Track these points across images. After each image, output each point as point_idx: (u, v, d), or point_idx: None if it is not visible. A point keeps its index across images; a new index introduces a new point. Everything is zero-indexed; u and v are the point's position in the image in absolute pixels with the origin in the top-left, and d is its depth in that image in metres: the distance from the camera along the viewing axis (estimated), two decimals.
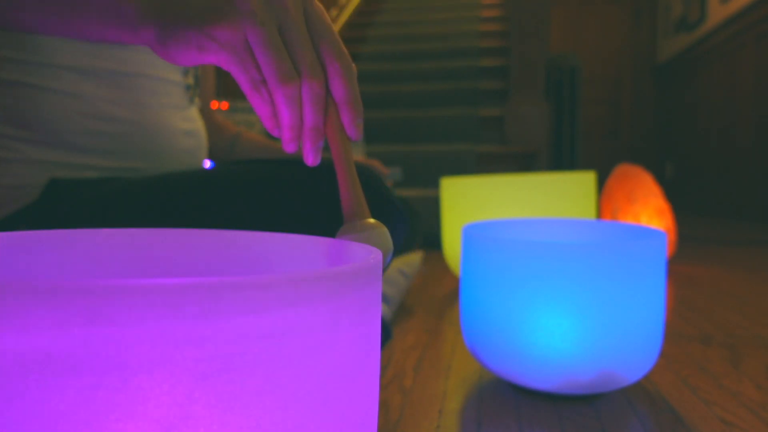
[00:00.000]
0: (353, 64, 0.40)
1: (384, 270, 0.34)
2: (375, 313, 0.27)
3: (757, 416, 0.61)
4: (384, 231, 0.38)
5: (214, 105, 1.04)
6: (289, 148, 0.40)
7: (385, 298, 0.99)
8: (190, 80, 0.85)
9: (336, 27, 3.88)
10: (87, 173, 0.71)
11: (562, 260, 0.58)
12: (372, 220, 0.39)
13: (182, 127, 0.80)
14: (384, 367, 0.76)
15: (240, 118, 1.95)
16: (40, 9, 0.44)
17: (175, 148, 0.78)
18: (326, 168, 0.67)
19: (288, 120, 0.39)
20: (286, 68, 0.37)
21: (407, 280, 1.17)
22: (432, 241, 1.84)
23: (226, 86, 2.40)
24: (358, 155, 2.10)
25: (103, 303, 0.18)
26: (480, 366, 0.77)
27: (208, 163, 0.89)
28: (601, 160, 4.82)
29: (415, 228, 1.36)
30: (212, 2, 0.38)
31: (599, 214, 1.71)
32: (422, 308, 1.12)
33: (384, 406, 0.63)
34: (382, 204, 0.68)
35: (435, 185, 2.07)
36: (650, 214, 1.57)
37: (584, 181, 1.23)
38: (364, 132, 2.37)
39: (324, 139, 0.40)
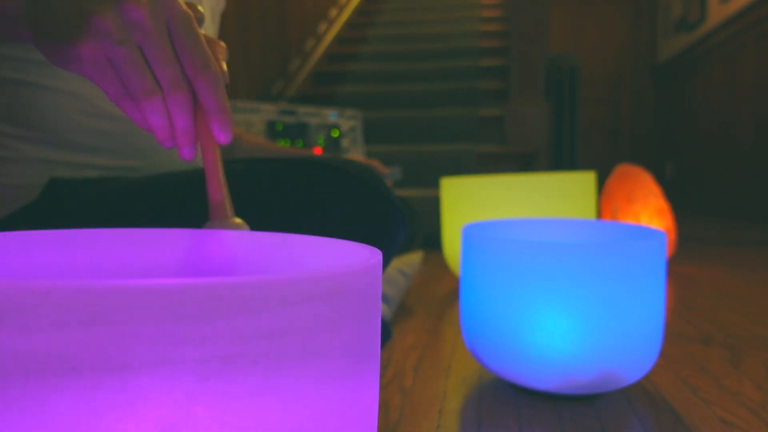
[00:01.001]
0: (220, 72, 0.41)
1: None
2: (375, 313, 0.27)
3: (757, 416, 0.61)
4: (247, 228, 0.42)
5: None
6: (164, 145, 0.42)
7: (385, 298, 0.99)
8: None
9: (336, 27, 3.89)
10: (87, 172, 0.71)
11: (562, 260, 0.58)
12: (238, 220, 0.42)
13: None
14: (384, 367, 0.76)
15: (240, 118, 1.95)
16: None
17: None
18: (327, 168, 0.67)
19: (155, 127, 0.41)
20: (147, 84, 0.39)
21: (407, 280, 1.17)
22: (432, 241, 1.84)
23: (226, 86, 2.39)
24: (358, 155, 2.10)
25: (103, 303, 0.18)
26: (480, 366, 0.77)
27: None
28: (601, 160, 4.82)
29: (415, 228, 1.36)
30: (74, 19, 0.39)
31: (599, 214, 1.71)
32: (422, 308, 1.12)
33: (384, 406, 0.63)
34: (382, 204, 0.68)
35: (435, 185, 2.07)
36: (650, 214, 1.57)
37: (584, 181, 1.23)
38: (364, 132, 2.36)
39: (197, 139, 0.43)
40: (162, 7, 0.40)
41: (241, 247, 0.37)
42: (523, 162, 2.62)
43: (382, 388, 0.69)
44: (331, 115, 2.10)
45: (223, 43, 0.45)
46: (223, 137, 0.42)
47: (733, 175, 3.57)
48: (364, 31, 4.06)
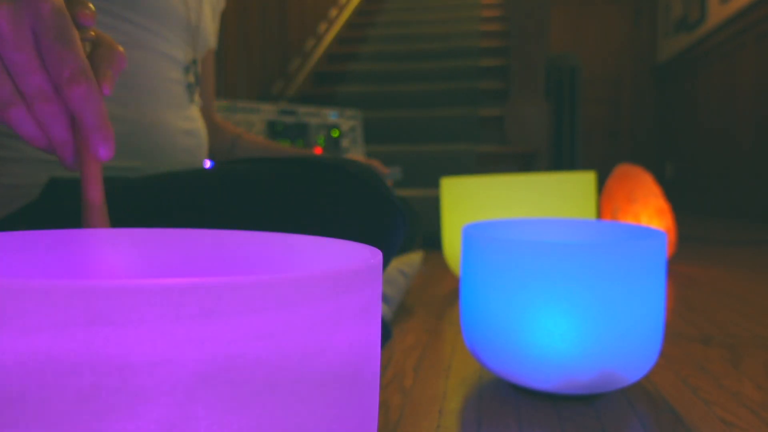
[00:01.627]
0: (93, 84, 0.37)
1: None
2: (375, 313, 0.27)
3: (757, 416, 0.61)
4: None
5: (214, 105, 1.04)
6: (44, 149, 0.40)
7: (385, 298, 0.99)
8: (191, 79, 0.85)
9: (336, 27, 3.89)
10: None
11: (562, 260, 0.58)
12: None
13: (182, 126, 0.80)
14: (384, 367, 0.76)
15: (240, 118, 1.95)
16: None
17: (175, 147, 0.78)
18: (327, 168, 0.67)
19: (27, 137, 0.38)
20: (4, 94, 0.36)
21: (407, 280, 1.17)
22: (432, 241, 1.85)
23: (227, 86, 2.40)
24: (358, 155, 2.10)
25: (103, 303, 0.18)
26: (480, 366, 0.77)
27: (208, 163, 0.89)
28: (601, 160, 4.82)
29: (415, 228, 1.36)
30: None
31: (599, 214, 1.71)
32: (422, 308, 1.12)
33: (384, 406, 0.63)
34: (382, 204, 0.68)
35: (435, 185, 2.07)
36: (650, 214, 1.57)
37: (584, 181, 1.23)
38: (364, 132, 2.35)
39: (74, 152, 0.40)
40: (26, 10, 0.36)
41: (241, 247, 0.37)
42: (523, 162, 2.62)
43: (382, 388, 0.69)
44: (331, 115, 2.10)
45: (91, 6, 0.41)
46: (103, 152, 0.39)
47: (733, 175, 3.57)
48: (364, 31, 4.06)
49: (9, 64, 0.36)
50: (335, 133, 2.09)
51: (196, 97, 0.86)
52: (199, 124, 0.84)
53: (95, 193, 0.39)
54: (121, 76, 0.73)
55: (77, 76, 0.37)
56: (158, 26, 0.76)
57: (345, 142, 2.11)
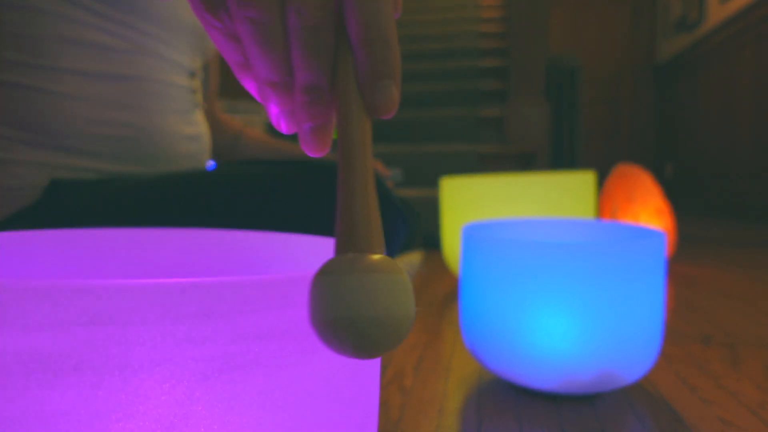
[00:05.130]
0: None
1: (387, 346, 0.20)
2: None
3: (756, 416, 0.61)
4: (400, 280, 0.20)
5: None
6: (279, 125, 0.25)
7: None
8: (196, 84, 0.85)
9: None
10: (88, 176, 0.71)
11: (562, 260, 0.58)
12: (379, 257, 0.21)
13: (186, 132, 0.80)
14: (384, 367, 0.76)
15: (240, 119, 1.95)
16: None
17: (178, 152, 0.78)
18: (327, 169, 0.67)
19: (261, 70, 0.23)
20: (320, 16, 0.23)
21: None
22: (432, 241, 1.85)
23: (226, 86, 2.40)
24: None
25: (103, 303, 0.18)
26: (480, 366, 0.77)
27: (210, 164, 0.89)
28: (601, 160, 4.82)
29: (415, 228, 1.35)
30: None
31: (599, 214, 1.71)
32: (422, 308, 1.12)
33: (384, 406, 0.63)
34: (382, 204, 0.68)
35: (435, 185, 2.07)
36: (650, 214, 1.57)
37: (584, 181, 1.23)
38: None
39: (332, 114, 0.25)
40: None
41: (241, 247, 0.37)
42: (523, 162, 2.62)
43: (382, 388, 0.69)
44: None
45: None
46: (379, 97, 0.23)
47: (733, 175, 3.57)
48: None
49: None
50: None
51: (200, 102, 0.86)
52: (202, 129, 0.84)
53: (342, 186, 0.23)
54: (125, 81, 0.73)
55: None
56: (163, 32, 0.76)
57: None
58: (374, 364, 0.28)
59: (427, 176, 2.36)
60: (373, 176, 0.23)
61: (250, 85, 0.25)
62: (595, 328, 0.58)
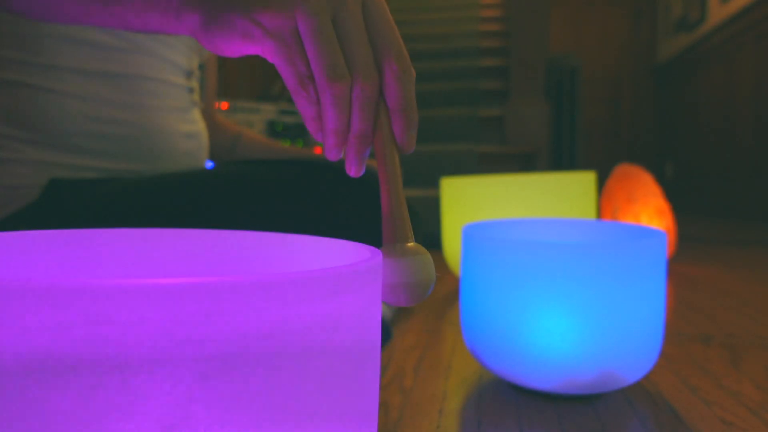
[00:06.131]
0: (413, 69, 0.35)
1: (421, 299, 0.32)
2: (375, 313, 0.27)
3: (757, 416, 0.61)
4: (426, 258, 0.33)
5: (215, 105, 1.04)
6: (331, 155, 0.36)
7: None
8: (194, 83, 0.85)
9: None
10: (88, 175, 0.71)
11: (562, 260, 0.58)
12: (412, 244, 0.34)
13: (184, 130, 0.80)
14: (384, 367, 0.76)
15: (240, 119, 1.95)
16: None
17: (177, 150, 0.78)
18: (326, 169, 0.67)
19: (334, 124, 0.34)
20: (338, 65, 0.33)
21: None
22: (432, 241, 1.84)
23: (227, 86, 2.40)
24: None
25: (103, 303, 0.18)
26: (480, 366, 0.77)
27: (208, 164, 0.89)
28: (601, 160, 4.82)
29: (415, 228, 1.35)
30: None
31: (599, 214, 1.71)
32: (422, 308, 1.12)
33: (384, 406, 0.63)
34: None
35: (435, 185, 2.07)
36: (650, 214, 1.57)
37: (584, 181, 1.23)
38: None
39: (370, 148, 0.36)
40: None
41: (241, 247, 0.37)
42: (523, 162, 2.62)
43: (382, 388, 0.69)
44: None
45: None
46: (407, 143, 0.35)
47: (733, 175, 3.57)
48: None
49: (342, 32, 0.34)
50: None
51: (198, 100, 0.86)
52: (200, 127, 0.84)
53: (389, 193, 0.35)
54: (124, 80, 0.73)
55: (402, 54, 0.35)
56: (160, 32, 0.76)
57: None
58: (374, 364, 0.28)
59: (427, 176, 2.36)
60: (402, 190, 0.35)
61: (313, 129, 0.36)
62: (596, 328, 0.58)
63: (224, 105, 2.04)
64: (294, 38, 0.34)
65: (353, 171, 0.36)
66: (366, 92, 0.34)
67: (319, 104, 0.35)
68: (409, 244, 0.34)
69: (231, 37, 0.36)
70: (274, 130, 1.99)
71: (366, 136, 0.35)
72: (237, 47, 0.37)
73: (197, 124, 0.84)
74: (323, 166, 0.67)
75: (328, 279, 0.23)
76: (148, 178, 0.70)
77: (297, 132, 2.04)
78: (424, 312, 1.09)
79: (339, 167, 0.67)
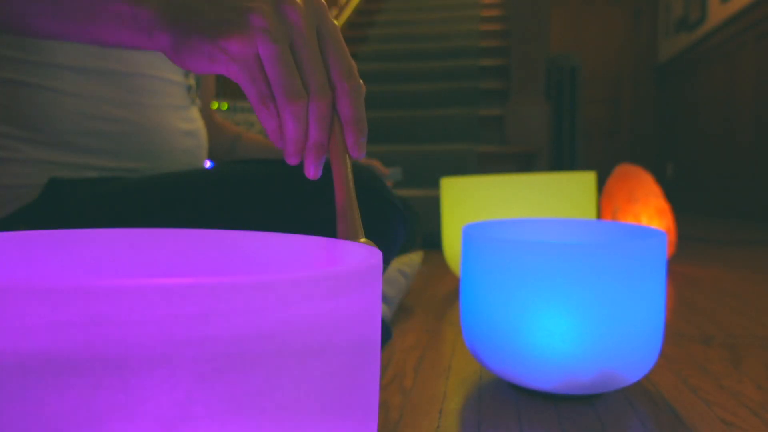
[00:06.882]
0: (362, 84, 0.40)
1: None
2: (375, 313, 0.27)
3: (757, 416, 0.61)
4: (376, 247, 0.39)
5: (214, 105, 1.04)
6: (291, 161, 0.41)
7: (385, 298, 0.99)
8: (191, 81, 0.85)
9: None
10: (87, 173, 0.71)
11: (562, 260, 0.58)
12: (363, 240, 0.39)
13: (183, 128, 0.80)
14: (384, 367, 0.76)
15: (240, 118, 1.95)
16: (56, 16, 0.45)
17: (176, 148, 0.78)
18: (326, 169, 0.67)
19: (293, 135, 0.39)
20: (295, 86, 0.38)
21: (407, 280, 1.17)
22: (432, 241, 1.84)
23: (226, 86, 2.40)
24: None
25: (103, 303, 0.18)
26: (480, 366, 0.77)
27: (208, 164, 0.89)
28: (601, 160, 4.82)
29: (415, 228, 1.35)
30: (226, 15, 0.38)
31: (599, 214, 1.71)
32: (422, 308, 1.12)
33: (384, 406, 0.63)
34: (382, 205, 0.68)
35: (435, 185, 2.07)
36: (650, 214, 1.57)
37: (584, 181, 1.23)
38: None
39: (326, 154, 0.41)
40: (315, 11, 0.40)
41: (241, 247, 0.37)
42: (523, 162, 2.62)
43: (382, 388, 0.69)
44: None
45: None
46: (357, 151, 0.40)
47: (733, 175, 3.57)
48: (364, 30, 4.06)
49: (300, 57, 0.39)
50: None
51: (196, 99, 0.86)
52: (199, 125, 0.84)
53: (342, 193, 0.40)
54: (122, 78, 0.73)
55: (353, 73, 0.40)
56: None
57: None
58: (374, 365, 0.28)
59: (427, 176, 2.36)
60: (354, 192, 0.40)
61: (275, 139, 0.41)
62: (596, 328, 0.58)
63: (224, 105, 2.04)
64: (256, 62, 0.38)
65: (311, 174, 0.41)
66: (321, 109, 0.39)
67: (279, 118, 0.39)
68: (361, 240, 0.39)
69: (198, 59, 0.39)
70: None
71: (322, 145, 0.40)
72: (204, 68, 0.40)
73: (196, 122, 0.84)
74: (323, 165, 0.66)
75: (328, 279, 0.23)
76: (148, 177, 0.70)
77: None
78: (424, 312, 1.09)
79: None
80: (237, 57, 0.38)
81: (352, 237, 0.39)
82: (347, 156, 0.41)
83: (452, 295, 1.23)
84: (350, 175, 0.40)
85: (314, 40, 0.39)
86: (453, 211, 1.31)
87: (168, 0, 0.40)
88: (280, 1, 0.38)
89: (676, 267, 1.59)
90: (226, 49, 0.38)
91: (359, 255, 0.31)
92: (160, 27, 0.40)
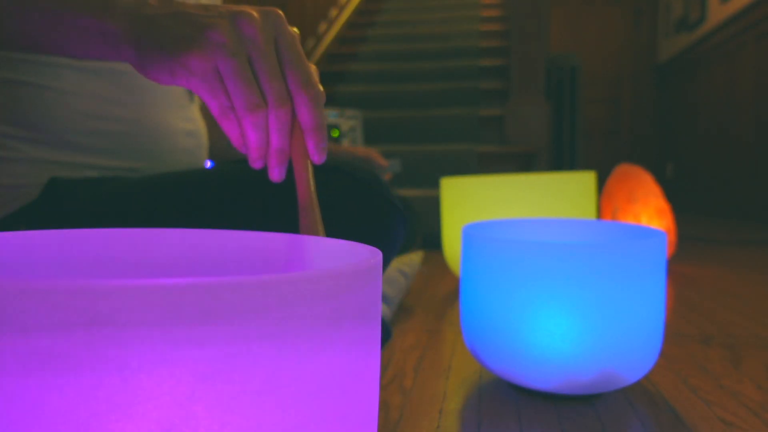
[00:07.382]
0: (321, 91, 0.42)
1: None
2: (375, 313, 0.27)
3: (757, 416, 0.61)
4: None
5: None
6: (255, 165, 0.43)
7: (385, 298, 0.99)
8: None
9: (336, 27, 3.89)
10: (87, 172, 0.71)
11: (562, 260, 0.58)
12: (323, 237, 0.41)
13: (183, 127, 0.80)
14: (384, 367, 0.76)
15: None
16: (24, 29, 0.46)
17: (176, 147, 0.78)
18: (326, 169, 0.67)
19: (254, 143, 0.41)
20: (254, 98, 0.40)
21: (407, 280, 1.17)
22: (432, 241, 1.84)
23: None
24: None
25: (103, 303, 0.18)
26: (480, 366, 0.77)
27: (208, 163, 0.89)
28: (601, 160, 4.82)
29: (415, 228, 1.35)
30: (186, 31, 0.40)
31: (599, 214, 1.71)
32: (422, 308, 1.12)
33: (384, 406, 0.63)
34: (382, 204, 0.68)
35: (435, 185, 2.07)
36: (650, 214, 1.57)
37: (584, 181, 1.23)
38: (364, 132, 2.36)
39: (288, 159, 0.43)
40: (272, 24, 0.41)
41: (241, 247, 0.37)
42: (523, 162, 2.62)
43: (382, 388, 0.69)
44: (331, 114, 2.10)
45: (314, 66, 0.45)
46: (318, 156, 0.42)
47: (733, 175, 3.57)
48: (364, 30, 4.06)
49: (257, 68, 0.40)
50: (335, 133, 2.09)
51: (196, 98, 0.86)
52: (199, 125, 0.84)
53: (305, 208, 0.42)
54: (122, 77, 0.73)
55: (311, 82, 0.41)
56: None
57: (345, 142, 2.11)
58: (374, 365, 0.28)
59: (427, 176, 2.36)
60: (315, 192, 0.43)
61: (238, 146, 0.43)
62: (596, 328, 0.58)
63: None
64: (215, 76, 0.40)
65: (275, 177, 0.43)
66: (280, 117, 0.41)
67: (241, 127, 0.41)
68: (321, 236, 0.41)
69: (161, 72, 0.41)
70: None
71: (283, 151, 0.42)
72: (167, 81, 0.42)
73: (196, 122, 0.84)
74: (323, 166, 0.66)
75: (328, 279, 0.23)
76: (148, 177, 0.70)
77: None
78: (424, 312, 1.09)
79: (339, 167, 0.67)
80: (196, 72, 0.40)
81: (314, 232, 0.41)
82: (308, 160, 0.43)
83: (452, 295, 1.23)
84: (311, 176, 0.43)
85: (272, 51, 0.41)
86: (453, 211, 1.31)
87: (133, 15, 0.42)
88: (237, 16, 0.40)
89: (676, 267, 1.59)
90: (186, 65, 0.40)
91: (359, 255, 0.31)
92: (126, 41, 0.42)
